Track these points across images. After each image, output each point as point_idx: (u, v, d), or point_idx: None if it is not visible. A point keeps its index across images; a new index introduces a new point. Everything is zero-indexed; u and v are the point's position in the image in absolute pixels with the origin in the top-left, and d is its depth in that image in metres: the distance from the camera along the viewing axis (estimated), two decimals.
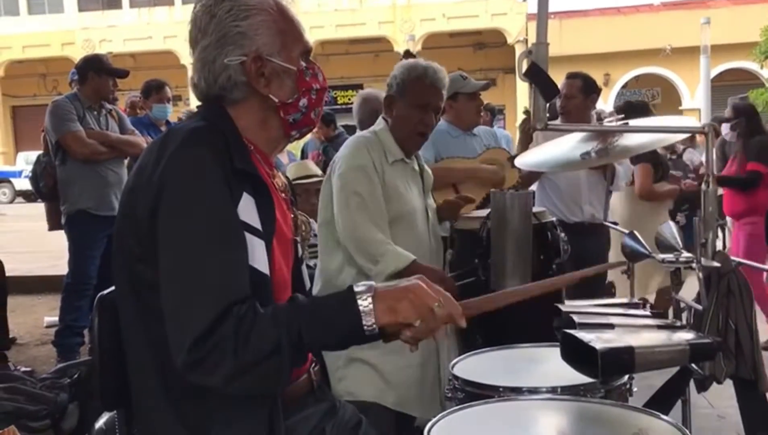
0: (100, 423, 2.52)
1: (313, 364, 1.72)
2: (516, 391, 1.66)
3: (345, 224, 2.51)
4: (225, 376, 1.30)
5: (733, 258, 1.54)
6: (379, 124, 2.70)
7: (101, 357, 1.59)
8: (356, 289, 1.36)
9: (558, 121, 4.23)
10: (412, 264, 2.44)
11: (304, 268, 1.79)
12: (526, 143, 4.27)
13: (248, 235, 1.41)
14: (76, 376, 2.79)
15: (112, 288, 1.61)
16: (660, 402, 1.51)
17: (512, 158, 3.73)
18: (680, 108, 24.24)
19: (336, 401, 1.81)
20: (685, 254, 1.53)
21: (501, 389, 1.68)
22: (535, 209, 2.68)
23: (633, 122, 2.02)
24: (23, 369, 4.62)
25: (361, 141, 2.60)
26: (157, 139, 1.53)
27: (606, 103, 24.58)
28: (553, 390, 1.63)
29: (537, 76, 1.52)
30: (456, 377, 1.82)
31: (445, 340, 2.72)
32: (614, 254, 4.45)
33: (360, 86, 27.94)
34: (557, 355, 1.61)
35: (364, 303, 1.33)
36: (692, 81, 23.50)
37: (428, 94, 2.64)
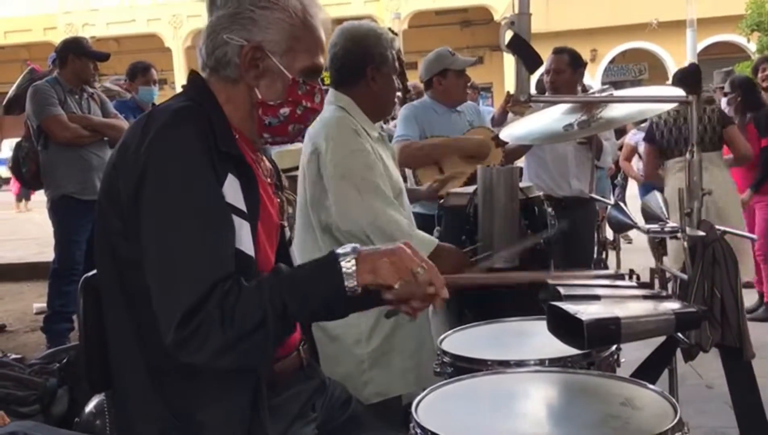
0: (89, 407, 2.52)
1: (302, 342, 1.71)
2: (504, 364, 1.66)
3: (360, 213, 2.34)
4: (213, 351, 1.30)
5: (717, 227, 1.54)
6: (341, 99, 2.51)
7: (87, 339, 1.59)
8: (339, 250, 1.36)
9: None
10: (437, 247, 2.36)
11: (292, 249, 1.78)
12: (501, 119, 4.28)
13: (233, 217, 1.40)
14: (65, 360, 2.78)
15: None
16: (647, 372, 1.52)
17: (497, 137, 3.73)
18: (667, 82, 24.24)
19: (326, 378, 1.81)
20: (671, 224, 1.53)
21: (489, 362, 1.68)
22: (522, 184, 2.67)
23: (617, 93, 2.01)
24: (13, 356, 4.61)
25: (345, 123, 2.43)
26: (141, 117, 1.51)
27: (594, 78, 24.58)
28: (540, 362, 1.63)
29: (520, 48, 1.51)
30: (444, 352, 1.82)
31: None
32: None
33: None
34: (545, 328, 1.62)
35: (348, 265, 1.33)
36: (679, 55, 23.49)
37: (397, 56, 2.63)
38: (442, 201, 2.96)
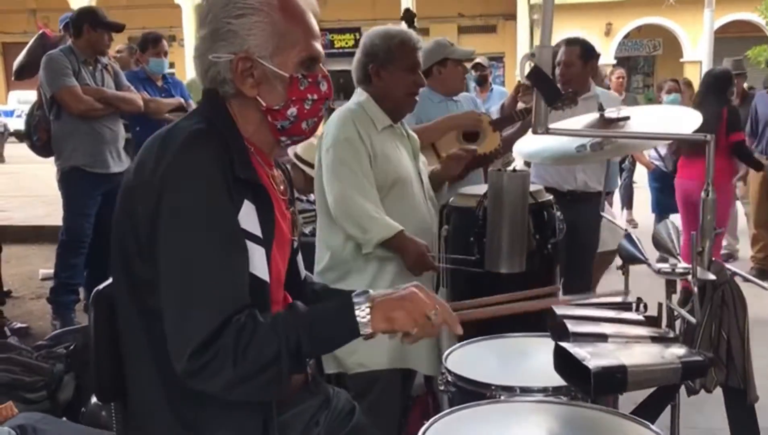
0: (96, 398, 2.56)
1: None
2: (508, 390, 1.68)
3: (335, 196, 2.54)
4: (224, 385, 1.33)
5: (728, 268, 1.54)
6: (360, 95, 2.69)
7: (97, 351, 1.60)
8: (354, 299, 1.37)
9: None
10: (399, 234, 2.50)
11: (299, 258, 1.79)
12: (510, 109, 4.23)
13: (248, 243, 1.42)
14: (72, 347, 2.81)
15: (108, 282, 1.61)
16: (649, 409, 1.53)
17: (493, 122, 3.71)
18: (681, 60, 23.99)
19: (330, 390, 1.83)
20: (682, 265, 1.53)
21: (493, 387, 1.71)
22: (531, 187, 2.67)
23: (635, 117, 1.99)
24: (18, 325, 4.67)
25: (346, 114, 2.60)
26: (158, 136, 1.51)
27: (607, 54, 24.30)
28: (544, 390, 1.65)
29: (540, 80, 1.49)
30: (449, 371, 1.84)
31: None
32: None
33: (358, 29, 27.45)
34: (549, 347, 1.63)
35: (362, 314, 1.36)
36: (695, 32, 23.16)
37: (416, 56, 2.68)
38: (451, 199, 2.96)
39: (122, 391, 1.58)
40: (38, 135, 4.80)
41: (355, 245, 2.56)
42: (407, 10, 4.73)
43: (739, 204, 6.84)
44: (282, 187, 1.64)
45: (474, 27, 25.88)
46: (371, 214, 2.50)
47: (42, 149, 4.93)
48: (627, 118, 1.92)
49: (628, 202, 8.33)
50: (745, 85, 7.43)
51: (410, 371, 2.74)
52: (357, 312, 1.35)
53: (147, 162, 1.44)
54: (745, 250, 6.72)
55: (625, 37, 24.72)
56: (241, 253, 1.39)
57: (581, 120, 2.11)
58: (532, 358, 1.94)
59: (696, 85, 6.73)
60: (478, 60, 6.60)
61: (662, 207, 6.68)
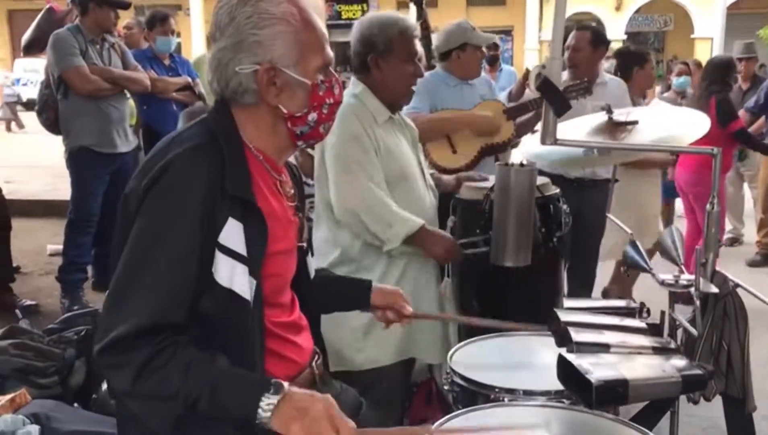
0: (106, 385, 2.61)
1: (315, 357, 1.76)
2: (511, 393, 1.72)
3: (351, 194, 2.48)
4: (119, 389, 1.41)
5: (730, 279, 1.57)
6: (356, 86, 2.63)
7: None
8: (271, 383, 1.36)
9: (566, 77, 4.19)
10: (423, 227, 2.49)
11: (309, 259, 1.82)
12: (518, 95, 4.24)
13: (229, 259, 1.43)
14: (83, 332, 2.86)
15: None
16: (649, 415, 1.57)
17: (508, 110, 3.71)
18: (692, 36, 23.75)
19: (338, 387, 1.86)
20: (685, 277, 1.55)
21: (497, 389, 1.74)
22: (538, 181, 2.68)
23: (643, 120, 1.99)
24: (28, 302, 4.74)
25: (348, 109, 2.49)
26: (163, 142, 1.54)
27: (618, 29, 24.04)
28: (546, 393, 1.69)
29: (549, 92, 1.51)
30: (453, 371, 1.87)
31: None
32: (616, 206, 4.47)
33: (365, 1, 27.24)
34: (554, 346, 1.67)
35: (267, 404, 1.33)
36: (707, 8, 22.89)
37: (415, 45, 2.62)
38: (459, 191, 2.98)
39: None
40: (47, 114, 4.83)
41: (363, 243, 2.53)
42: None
43: (746, 187, 6.83)
44: (291, 193, 1.66)
45: None
46: (394, 209, 2.47)
47: (50, 128, 4.96)
48: (635, 123, 1.93)
49: None
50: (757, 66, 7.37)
51: (412, 358, 2.76)
52: (263, 401, 1.33)
53: (146, 166, 1.49)
54: (751, 234, 6.73)
55: (636, 12, 24.48)
56: (189, 275, 1.40)
57: (589, 122, 2.11)
58: (536, 358, 1.97)
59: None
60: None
61: (667, 191, 6.68)
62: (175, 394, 1.35)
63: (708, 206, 1.57)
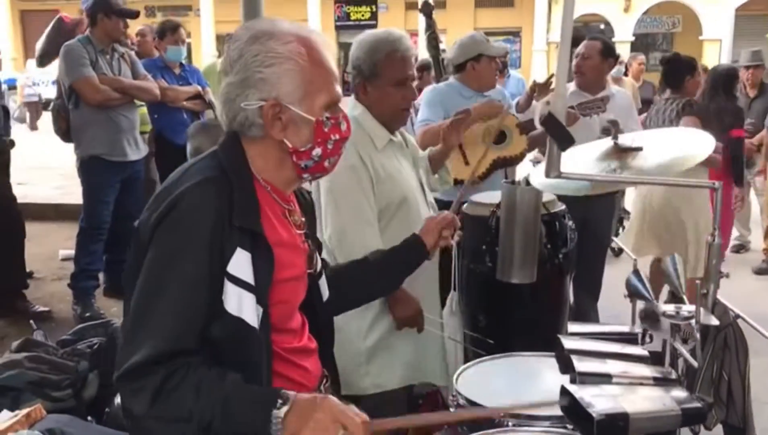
0: (119, 399, 2.66)
1: (324, 380, 1.80)
2: (515, 417, 1.76)
3: (333, 228, 2.46)
4: (138, 413, 1.43)
5: (731, 309, 1.60)
6: (355, 107, 2.57)
7: None
8: (280, 395, 1.41)
9: (573, 86, 4.23)
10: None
11: (322, 280, 1.85)
12: (525, 106, 4.27)
13: (237, 288, 1.48)
14: (96, 346, 2.92)
15: None
16: None
17: (521, 124, 3.73)
18: (701, 38, 23.68)
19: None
20: (686, 308, 1.59)
21: (501, 413, 1.78)
22: (544, 198, 2.71)
23: (648, 146, 2.02)
24: (41, 309, 4.81)
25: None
26: (174, 174, 1.59)
27: (626, 30, 24.00)
28: (549, 418, 1.72)
29: (553, 127, 1.54)
30: (460, 393, 1.91)
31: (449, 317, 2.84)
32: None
33: (374, 2, 27.25)
34: (557, 369, 1.71)
35: (279, 411, 1.39)
36: (715, 10, 22.82)
37: (404, 69, 2.52)
38: (465, 206, 3.01)
39: None
40: (58, 123, 4.91)
41: None
42: (425, 3, 4.72)
43: (752, 193, 6.84)
44: (299, 222, 1.70)
45: (492, 1, 25.61)
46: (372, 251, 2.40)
47: (62, 138, 5.05)
48: (639, 150, 1.96)
49: None
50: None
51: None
52: (274, 412, 1.39)
53: (157, 198, 1.54)
54: (757, 241, 6.74)
55: (644, 13, 24.42)
56: (200, 303, 1.45)
57: (595, 148, 2.15)
58: (541, 381, 2.00)
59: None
60: None
61: None
62: (189, 415, 1.40)
63: (709, 238, 1.60)
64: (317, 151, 1.58)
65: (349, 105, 2.60)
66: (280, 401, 1.40)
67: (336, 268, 1.99)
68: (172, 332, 1.42)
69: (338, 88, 1.62)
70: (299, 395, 1.43)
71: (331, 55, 1.60)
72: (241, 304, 1.49)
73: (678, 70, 4.79)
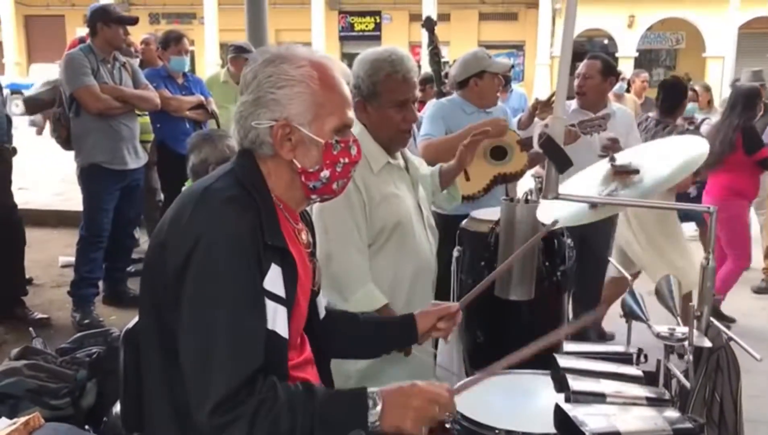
0: (118, 408, 2.67)
1: None
2: (510, 433, 1.77)
3: (320, 251, 2.31)
4: None
5: (723, 332, 1.62)
6: (355, 126, 2.56)
7: (125, 386, 1.71)
8: (369, 395, 1.49)
9: (574, 105, 4.26)
10: (384, 308, 2.40)
11: (319, 299, 1.88)
12: (527, 123, 4.30)
13: (273, 303, 1.52)
14: (95, 355, 2.93)
15: (136, 320, 1.71)
16: None
17: (522, 142, 3.75)
18: (704, 54, 23.79)
19: None
20: (680, 329, 1.61)
21: (497, 430, 1.79)
22: None
23: (645, 166, 2.04)
24: (39, 316, 4.83)
25: None
26: (193, 193, 1.58)
27: (630, 46, 24.10)
28: None
29: (551, 150, 1.57)
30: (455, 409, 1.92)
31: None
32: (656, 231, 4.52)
33: (378, 13, 27.40)
34: (553, 387, 1.73)
35: (374, 412, 1.48)
36: (719, 27, 22.91)
37: (404, 91, 2.46)
38: (464, 222, 3.03)
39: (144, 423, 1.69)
40: (59, 132, 4.94)
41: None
42: (428, 19, 4.76)
43: (752, 212, 6.86)
44: (306, 240, 1.74)
45: (495, 14, 25.75)
46: (357, 284, 2.39)
47: (63, 145, 5.08)
48: (636, 172, 1.98)
49: None
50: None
51: None
52: (370, 416, 1.47)
53: (181, 219, 1.53)
54: (757, 260, 6.75)
55: (648, 29, 24.54)
56: (260, 316, 1.49)
57: (594, 174, 2.17)
58: (537, 399, 2.01)
59: (714, 88, 6.67)
60: None
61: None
62: (291, 430, 1.43)
63: (702, 261, 1.62)
64: (325, 172, 1.61)
65: None
66: (371, 402, 1.48)
67: (330, 310, 1.98)
68: (242, 359, 1.45)
69: (350, 113, 1.65)
70: (385, 390, 1.52)
71: (344, 78, 1.64)
72: (275, 318, 1.53)
73: (676, 97, 4.87)
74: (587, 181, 2.14)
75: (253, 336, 1.47)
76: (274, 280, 1.52)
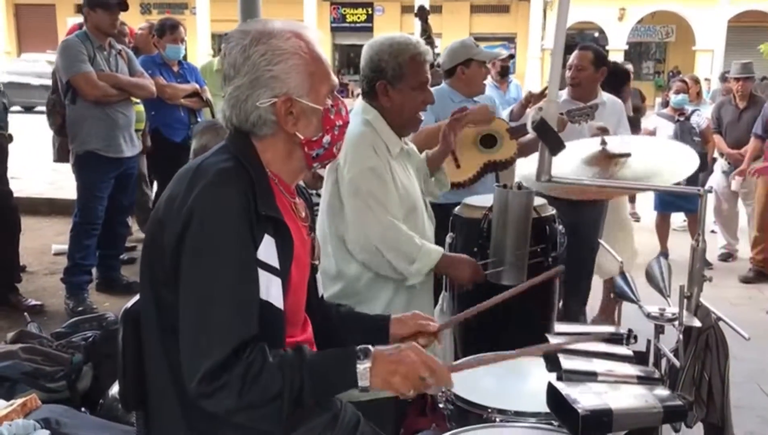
0: (113, 391, 2.70)
1: None
2: (503, 413, 1.81)
3: (373, 232, 2.45)
4: (227, 411, 1.48)
5: (713, 312, 1.65)
6: (368, 111, 2.57)
7: (124, 365, 1.73)
8: (358, 350, 1.51)
9: (565, 95, 4.28)
10: (443, 258, 2.53)
11: (318, 276, 1.91)
12: (519, 116, 4.33)
13: (266, 274, 1.55)
14: (91, 339, 2.95)
15: (136, 299, 1.73)
16: None
17: (511, 130, 3.78)
18: (693, 48, 23.87)
19: (338, 404, 1.95)
20: (670, 310, 1.64)
21: (489, 409, 1.83)
22: (536, 202, 2.76)
23: (635, 152, 2.08)
24: (33, 302, 4.83)
25: (365, 139, 2.49)
26: (188, 171, 1.62)
27: (620, 39, 24.16)
28: (536, 415, 1.78)
29: (545, 132, 1.60)
30: (448, 389, 1.96)
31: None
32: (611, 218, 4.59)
33: (370, 5, 27.34)
34: (544, 368, 1.76)
35: (362, 367, 1.50)
36: (708, 21, 23.00)
37: (426, 71, 2.56)
38: (457, 209, 3.06)
39: (144, 401, 1.71)
40: (53, 118, 4.93)
41: (374, 275, 2.53)
42: (421, 8, 4.79)
43: (740, 203, 6.92)
44: (303, 215, 1.76)
45: (487, 6, 25.73)
46: (416, 243, 2.47)
47: (57, 132, 5.06)
48: (628, 155, 2.02)
49: (631, 196, 8.43)
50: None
51: None
52: (358, 365, 1.49)
53: (176, 195, 1.56)
54: (745, 250, 6.82)
55: (638, 22, 24.60)
56: (253, 285, 1.52)
57: (584, 149, 2.20)
58: (529, 379, 2.05)
59: (703, 80, 6.71)
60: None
61: (664, 205, 6.79)
62: (280, 391, 1.46)
63: (693, 243, 1.66)
64: (327, 138, 1.66)
65: (358, 108, 2.61)
66: (361, 355, 1.49)
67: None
68: (235, 327, 1.48)
69: (335, 76, 1.70)
70: (379, 347, 1.53)
71: (322, 46, 1.69)
72: (269, 288, 1.55)
73: (618, 78, 5.06)
74: (571, 160, 2.16)
75: (245, 304, 1.50)
76: (267, 250, 1.54)
